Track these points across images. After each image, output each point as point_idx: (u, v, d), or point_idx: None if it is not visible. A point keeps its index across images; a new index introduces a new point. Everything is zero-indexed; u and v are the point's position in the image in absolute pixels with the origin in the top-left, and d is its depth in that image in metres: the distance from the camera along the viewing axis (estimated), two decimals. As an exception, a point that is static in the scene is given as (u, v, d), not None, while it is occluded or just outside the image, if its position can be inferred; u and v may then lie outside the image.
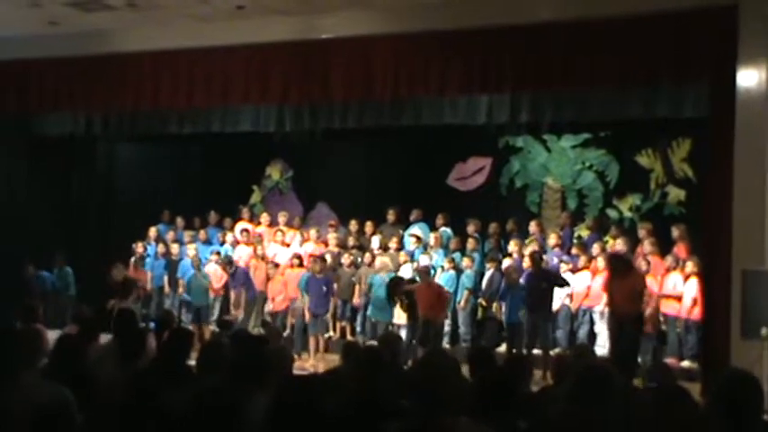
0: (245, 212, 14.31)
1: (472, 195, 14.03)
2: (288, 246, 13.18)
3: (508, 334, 11.11)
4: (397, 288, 11.33)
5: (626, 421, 3.81)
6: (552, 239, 12.04)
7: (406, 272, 11.85)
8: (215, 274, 12.58)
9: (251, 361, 4.53)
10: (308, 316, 11.70)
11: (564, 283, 10.83)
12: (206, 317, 12.40)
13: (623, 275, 9.79)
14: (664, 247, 11.20)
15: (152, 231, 13.83)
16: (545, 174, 13.77)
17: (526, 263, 11.12)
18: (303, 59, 10.72)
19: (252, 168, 15.67)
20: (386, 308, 11.64)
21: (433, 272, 11.55)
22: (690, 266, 10.59)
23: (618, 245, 11.33)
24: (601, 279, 10.85)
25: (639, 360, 10.00)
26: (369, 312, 11.91)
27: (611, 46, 9.27)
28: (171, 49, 11.41)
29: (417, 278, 11.33)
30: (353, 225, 13.31)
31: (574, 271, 11.49)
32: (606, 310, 10.49)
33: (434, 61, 10.11)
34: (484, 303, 11.64)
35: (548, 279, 10.74)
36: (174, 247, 13.37)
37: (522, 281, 10.93)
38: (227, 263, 12.45)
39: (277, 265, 12.58)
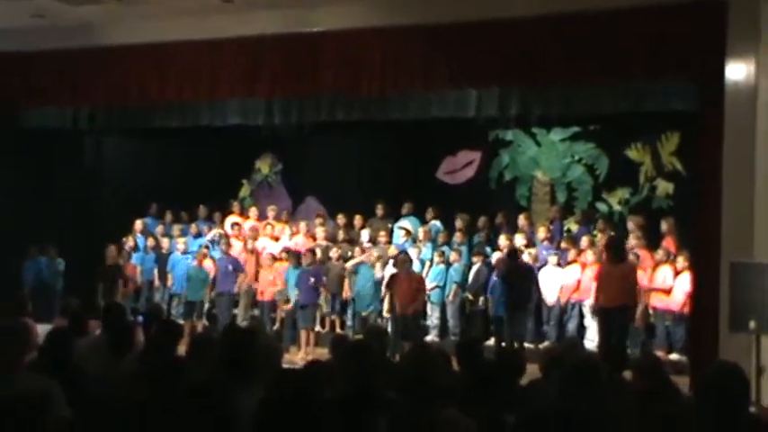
0: (236, 206, 14.28)
1: (461, 189, 14.03)
2: (278, 239, 13.15)
3: (495, 327, 11.15)
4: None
5: (614, 413, 3.82)
6: (542, 233, 12.05)
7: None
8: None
9: (241, 355, 4.52)
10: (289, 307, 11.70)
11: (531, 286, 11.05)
12: (199, 312, 12.33)
13: (617, 262, 9.78)
14: (652, 240, 11.23)
15: (138, 224, 13.72)
16: (534, 167, 13.78)
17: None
18: (291, 53, 10.66)
19: (241, 162, 15.62)
20: (373, 298, 11.64)
21: (421, 265, 11.57)
22: (681, 260, 10.61)
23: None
24: (591, 272, 10.83)
25: (629, 352, 10.02)
26: (356, 306, 11.92)
27: (600, 39, 9.26)
28: (159, 43, 11.33)
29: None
30: (341, 219, 13.29)
31: (563, 265, 11.52)
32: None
33: (423, 55, 10.07)
34: (470, 297, 11.67)
35: (524, 275, 10.88)
36: (164, 241, 13.33)
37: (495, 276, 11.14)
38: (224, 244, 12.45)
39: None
